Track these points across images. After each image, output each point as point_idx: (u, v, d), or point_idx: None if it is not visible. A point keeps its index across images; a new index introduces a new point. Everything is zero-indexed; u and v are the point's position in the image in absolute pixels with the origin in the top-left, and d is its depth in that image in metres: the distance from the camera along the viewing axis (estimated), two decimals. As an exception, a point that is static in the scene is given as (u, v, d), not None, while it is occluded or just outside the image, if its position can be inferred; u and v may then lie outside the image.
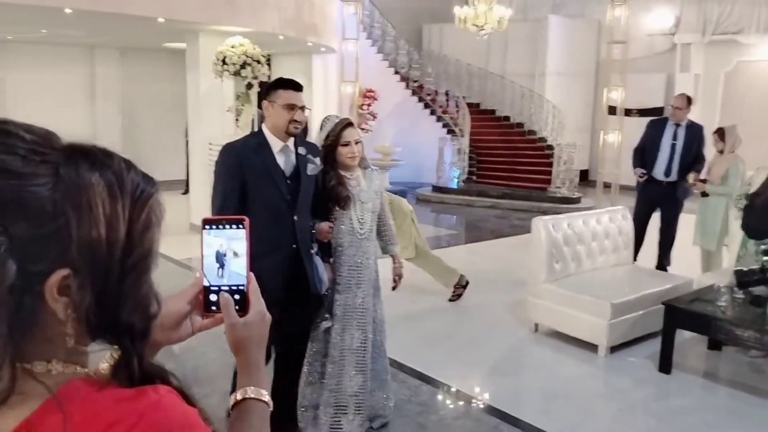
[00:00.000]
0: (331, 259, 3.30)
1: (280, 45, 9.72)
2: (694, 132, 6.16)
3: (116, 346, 0.75)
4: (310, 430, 3.35)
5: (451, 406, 3.80)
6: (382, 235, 3.54)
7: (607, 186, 11.41)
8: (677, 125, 6.13)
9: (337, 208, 3.27)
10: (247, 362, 0.93)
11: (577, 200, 11.49)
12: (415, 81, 13.99)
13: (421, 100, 14.03)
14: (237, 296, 0.91)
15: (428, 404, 3.82)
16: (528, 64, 14.53)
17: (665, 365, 4.31)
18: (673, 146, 6.03)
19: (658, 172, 6.08)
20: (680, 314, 4.23)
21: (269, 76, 8.03)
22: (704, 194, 5.78)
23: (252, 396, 0.92)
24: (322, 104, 11.55)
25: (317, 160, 3.12)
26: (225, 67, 7.43)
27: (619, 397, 4.11)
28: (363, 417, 3.38)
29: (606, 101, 10.78)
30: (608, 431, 3.71)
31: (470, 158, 13.19)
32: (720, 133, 5.83)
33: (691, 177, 5.84)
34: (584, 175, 13.70)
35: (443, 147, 12.86)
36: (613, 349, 4.62)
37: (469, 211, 11.41)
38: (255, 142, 3.01)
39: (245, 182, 2.92)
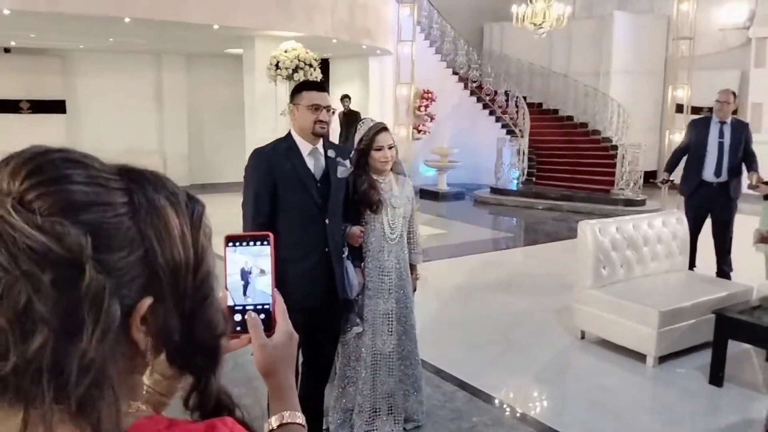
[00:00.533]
0: (362, 264, 3.30)
1: (335, 48, 9.83)
2: (741, 128, 5.84)
3: (186, 373, 0.73)
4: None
5: (486, 413, 3.72)
6: (408, 242, 3.50)
7: (673, 188, 10.94)
8: (722, 123, 5.81)
9: (369, 212, 3.28)
10: (279, 385, 0.91)
11: (641, 203, 11.09)
12: (474, 81, 13.85)
13: (479, 100, 13.88)
14: (263, 315, 0.89)
15: (462, 410, 3.76)
16: (592, 62, 14.15)
17: (716, 378, 4.09)
18: (721, 145, 5.72)
19: (708, 173, 5.77)
20: (732, 323, 4.01)
21: (321, 80, 8.13)
22: (767, 197, 5.47)
23: (288, 421, 0.90)
24: (378, 106, 11.61)
25: (347, 163, 3.11)
26: (278, 71, 7.58)
27: (665, 411, 3.93)
28: (397, 419, 3.38)
29: (671, 99, 10.33)
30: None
31: (530, 159, 12.96)
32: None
33: (754, 178, 5.51)
34: (653, 177, 13.24)
35: (502, 148, 12.68)
36: (662, 359, 4.43)
37: (527, 213, 11.20)
38: (284, 147, 3.01)
39: (276, 186, 2.91)
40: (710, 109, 13.03)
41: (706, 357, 4.28)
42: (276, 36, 8.01)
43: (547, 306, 5.67)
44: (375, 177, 3.28)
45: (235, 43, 9.00)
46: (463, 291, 6.38)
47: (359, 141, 3.31)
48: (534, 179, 12.95)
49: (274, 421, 0.90)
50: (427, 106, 12.95)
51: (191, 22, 6.79)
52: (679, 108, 11.06)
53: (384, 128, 3.32)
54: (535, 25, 10.03)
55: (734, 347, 4.35)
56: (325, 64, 12.77)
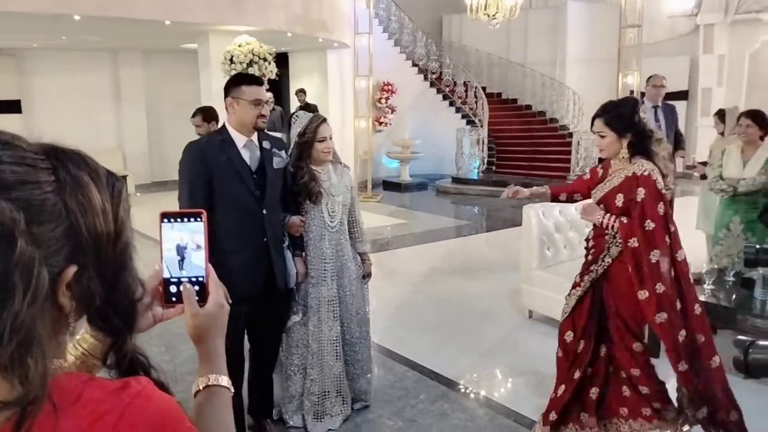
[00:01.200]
0: (303, 253, 3.36)
1: (291, 42, 9.87)
2: (672, 111, 6.06)
3: (100, 333, 0.80)
4: (295, 419, 3.45)
5: (433, 391, 3.87)
6: (351, 232, 3.56)
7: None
8: (656, 107, 6.02)
9: (308, 203, 3.35)
10: (207, 350, 0.96)
11: (597, 188, 11.36)
12: (434, 73, 14.00)
13: (439, 91, 14.03)
14: (197, 287, 0.94)
15: (409, 389, 3.90)
16: (549, 51, 14.42)
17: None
18: (658, 128, 5.93)
19: None
20: (665, 298, 4.20)
21: (278, 74, 8.18)
22: (703, 177, 5.70)
23: (213, 383, 0.95)
24: (338, 99, 11.68)
25: (282, 153, 3.15)
26: (233, 65, 7.60)
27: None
28: (345, 400, 3.50)
29: (622, 86, 10.61)
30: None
31: (490, 148, 13.17)
32: (720, 114, 5.74)
33: (680, 162, 5.74)
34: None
35: (462, 138, 12.86)
36: (604, 334, 4.62)
37: (488, 201, 11.39)
38: (219, 139, 2.99)
39: (211, 179, 2.91)
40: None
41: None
42: (230, 30, 8.03)
43: (499, 289, 5.85)
44: (315, 168, 3.36)
45: (190, 38, 8.99)
46: (420, 277, 6.53)
47: (301, 134, 3.37)
48: (494, 168, 13.17)
49: (200, 383, 0.95)
50: (387, 98, 13.06)
51: (142, 18, 6.78)
52: (631, 94, 11.36)
53: (324, 120, 3.38)
54: (488, 16, 10.18)
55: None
56: (284, 58, 12.78)
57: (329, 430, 3.41)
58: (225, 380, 0.96)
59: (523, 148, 13.37)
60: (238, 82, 3.04)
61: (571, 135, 12.51)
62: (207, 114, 5.25)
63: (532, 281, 4.96)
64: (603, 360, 3.16)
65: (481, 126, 12.99)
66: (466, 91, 13.66)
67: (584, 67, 14.08)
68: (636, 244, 2.84)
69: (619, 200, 2.90)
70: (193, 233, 0.94)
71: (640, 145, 2.91)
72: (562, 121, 13.43)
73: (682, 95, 13.66)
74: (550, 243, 5.00)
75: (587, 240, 3.21)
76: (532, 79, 14.27)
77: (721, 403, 2.94)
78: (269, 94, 3.13)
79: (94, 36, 9.18)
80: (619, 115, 2.89)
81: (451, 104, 14.00)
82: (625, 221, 2.89)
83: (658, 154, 3.07)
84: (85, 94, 12.03)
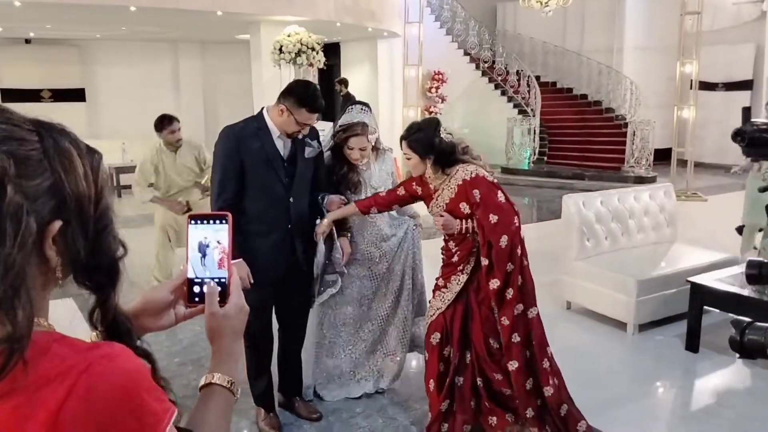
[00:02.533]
0: (349, 235, 3.42)
1: (341, 32, 9.96)
2: None
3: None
4: (326, 394, 3.58)
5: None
6: (401, 213, 3.63)
7: (684, 164, 10.91)
8: None
9: (349, 192, 3.41)
10: (220, 350, 0.98)
11: (652, 179, 11.05)
12: (486, 62, 13.85)
13: (491, 80, 13.89)
14: (218, 288, 0.96)
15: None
16: (606, 39, 14.07)
17: (692, 344, 4.21)
18: None
19: None
20: (705, 291, 4.11)
21: (326, 63, 8.29)
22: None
23: (217, 382, 0.96)
24: (387, 89, 11.72)
25: (315, 143, 3.18)
26: (281, 55, 7.76)
27: (641, 376, 4.06)
28: (375, 376, 3.61)
29: (679, 75, 10.26)
30: (622, 408, 3.68)
31: (542, 138, 12.97)
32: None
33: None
34: (668, 154, 13.15)
35: (512, 127, 12.71)
36: (643, 327, 4.55)
37: (537, 192, 11.26)
38: (255, 126, 3.05)
39: (243, 164, 2.98)
40: (725, 85, 12.78)
41: (685, 326, 4.38)
42: (281, 21, 8.18)
43: (539, 279, 5.70)
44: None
45: (243, 29, 9.19)
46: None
47: (335, 133, 3.41)
48: (545, 158, 12.97)
49: (203, 380, 0.97)
50: (437, 88, 13.01)
51: (195, 9, 6.98)
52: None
53: (358, 133, 3.31)
54: (541, 3, 10.01)
55: (717, 316, 4.46)
56: (336, 48, 12.91)
57: (358, 405, 3.51)
58: (230, 382, 0.97)
59: (576, 138, 13.11)
60: (301, 101, 2.94)
61: (626, 125, 12.20)
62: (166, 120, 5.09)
63: (571, 272, 4.91)
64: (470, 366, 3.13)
65: (533, 115, 12.80)
66: (518, 80, 13.47)
67: (642, 56, 13.68)
68: (505, 243, 2.91)
69: (464, 208, 2.96)
70: (219, 235, 0.95)
71: (446, 161, 2.99)
72: (618, 110, 13.10)
73: (746, 85, 13.12)
74: (590, 234, 4.93)
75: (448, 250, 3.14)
76: (588, 68, 13.95)
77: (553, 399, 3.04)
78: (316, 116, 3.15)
79: (152, 27, 9.49)
80: (419, 139, 2.99)
81: (503, 93, 13.83)
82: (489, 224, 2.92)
83: (473, 156, 3.07)
84: (145, 83, 12.45)
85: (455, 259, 3.08)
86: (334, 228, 3.29)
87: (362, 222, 3.48)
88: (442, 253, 3.18)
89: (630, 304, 4.46)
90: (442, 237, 3.16)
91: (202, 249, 0.95)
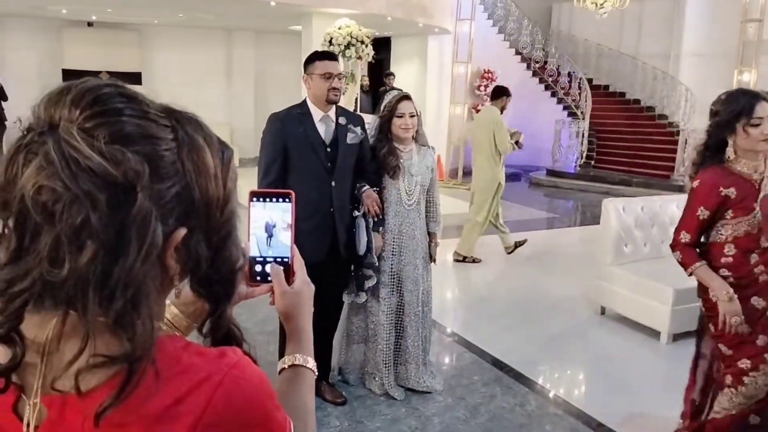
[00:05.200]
0: (381, 228, 3.47)
1: (392, 27, 10.00)
2: None
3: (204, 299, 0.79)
4: (354, 388, 3.63)
5: (487, 374, 3.90)
6: (427, 211, 3.65)
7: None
8: None
9: (387, 177, 3.46)
10: (296, 329, 0.96)
11: (702, 189, 10.78)
12: (537, 62, 13.70)
13: (541, 81, 13.73)
14: (282, 267, 0.94)
15: (464, 369, 3.96)
16: (663, 44, 13.75)
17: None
18: None
19: None
20: (742, 304, 4.01)
21: (375, 57, 8.35)
22: None
23: (300, 363, 0.94)
24: (435, 85, 11.72)
25: (358, 130, 3.30)
26: (331, 47, 7.83)
27: (672, 386, 3.98)
28: (400, 370, 3.63)
29: (737, 84, 9.97)
30: (650, 417, 3.65)
31: (590, 142, 12.78)
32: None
33: None
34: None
35: (560, 130, 12.55)
36: (677, 337, 4.47)
37: (582, 196, 11.12)
38: (298, 112, 3.22)
39: (287, 148, 3.14)
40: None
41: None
42: (332, 13, 8.28)
43: (576, 283, 5.74)
44: (396, 145, 3.47)
45: (296, 20, 9.33)
46: (497, 265, 6.53)
47: (382, 109, 3.51)
48: (593, 162, 12.77)
49: (287, 361, 0.95)
50: (486, 86, 12.92)
51: (248, -2, 7.14)
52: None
53: (406, 96, 3.46)
54: (596, 5, 9.86)
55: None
56: (386, 43, 12.97)
57: (384, 394, 3.56)
58: (311, 362, 0.96)
59: (626, 143, 12.86)
60: (311, 58, 3.25)
61: (678, 133, 11.91)
62: None
63: (607, 277, 4.86)
64: None
65: (583, 118, 12.61)
66: (570, 82, 13.29)
67: (699, 62, 13.31)
68: None
69: None
70: (282, 213, 0.93)
71: None
72: (672, 117, 12.79)
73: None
74: (629, 239, 4.87)
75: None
76: (643, 73, 13.66)
77: None
78: (342, 69, 3.27)
79: (208, 15, 9.71)
80: None
81: (553, 95, 13.66)
82: None
83: None
84: (199, 69, 12.75)
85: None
86: (369, 220, 3.36)
87: (397, 216, 3.51)
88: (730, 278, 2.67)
89: (665, 313, 4.39)
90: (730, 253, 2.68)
91: (269, 229, 0.93)
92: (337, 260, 3.28)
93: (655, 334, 4.52)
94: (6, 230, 0.67)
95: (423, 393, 3.60)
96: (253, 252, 0.93)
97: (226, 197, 0.75)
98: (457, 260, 6.37)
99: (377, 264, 3.45)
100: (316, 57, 3.25)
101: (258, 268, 0.93)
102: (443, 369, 3.95)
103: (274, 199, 0.93)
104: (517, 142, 6.23)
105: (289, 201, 0.93)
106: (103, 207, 0.63)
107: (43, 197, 0.63)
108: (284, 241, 0.93)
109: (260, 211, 0.93)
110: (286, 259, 0.94)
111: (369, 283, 3.47)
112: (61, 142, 0.63)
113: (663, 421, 3.53)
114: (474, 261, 6.37)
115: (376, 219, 3.41)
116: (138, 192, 0.64)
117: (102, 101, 0.67)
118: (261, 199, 0.93)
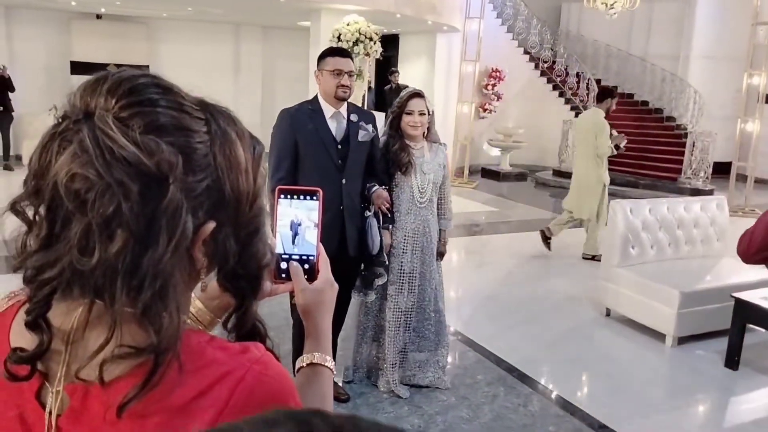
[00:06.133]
0: (391, 226, 3.46)
1: (401, 24, 9.98)
2: None
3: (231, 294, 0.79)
4: (358, 385, 3.63)
5: (490, 373, 3.89)
6: (438, 208, 3.65)
7: (743, 179, 10.55)
8: None
9: (399, 174, 3.45)
10: (315, 327, 0.95)
11: (709, 192, 10.72)
12: (545, 62, 13.65)
13: (549, 81, 13.68)
14: (306, 266, 0.93)
15: (468, 368, 3.96)
16: (672, 46, 13.69)
17: (731, 361, 4.11)
18: None
19: None
20: (749, 308, 4.00)
21: (382, 54, 8.34)
22: None
23: (318, 362, 0.94)
24: (443, 83, 11.70)
25: (369, 127, 3.28)
26: (339, 44, 7.82)
27: (676, 389, 4.00)
28: (408, 368, 3.63)
29: (746, 87, 9.90)
30: (653, 419, 3.63)
31: (597, 143, 12.70)
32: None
33: None
34: (727, 168, 12.73)
35: (568, 130, 12.49)
36: (682, 340, 4.46)
37: (588, 197, 11.06)
38: (309, 108, 3.20)
39: (297, 144, 3.12)
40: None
41: (726, 342, 4.27)
42: (341, 9, 8.26)
43: (582, 284, 5.73)
44: (408, 142, 3.46)
45: (305, 16, 9.32)
46: (502, 264, 6.52)
47: (393, 106, 3.51)
48: (600, 164, 12.70)
49: (306, 359, 0.94)
50: (494, 85, 12.90)
51: (257, -7, 7.12)
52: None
53: (418, 94, 3.44)
54: (606, 5, 9.81)
55: (761, 336, 4.34)
56: (395, 40, 12.95)
57: (388, 392, 3.55)
58: (329, 361, 0.95)
59: (633, 145, 12.72)
60: (324, 54, 3.25)
61: (686, 135, 11.85)
62: None
63: (613, 278, 4.84)
64: None
65: (590, 119, 12.54)
66: (578, 82, 13.23)
67: (709, 65, 13.25)
68: None
69: None
70: (309, 211, 0.93)
71: None
72: (680, 120, 12.73)
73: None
74: (636, 241, 4.85)
75: None
76: (652, 74, 13.60)
77: None
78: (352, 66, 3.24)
79: (216, 9, 9.71)
80: None
81: (561, 95, 13.61)
82: None
83: None
84: (207, 64, 12.74)
85: None
86: (378, 218, 3.35)
87: (409, 214, 3.50)
88: None
89: (671, 316, 4.38)
90: None
91: (294, 228, 0.93)
92: (345, 258, 3.26)
93: (660, 336, 4.51)
94: (37, 217, 0.67)
95: (427, 392, 3.60)
96: (279, 249, 0.92)
97: (256, 192, 0.75)
98: (585, 258, 6.61)
99: (387, 262, 3.44)
100: (328, 53, 3.25)
101: (283, 265, 0.93)
102: (446, 367, 3.94)
103: (301, 197, 0.93)
104: (617, 146, 6.31)
105: (317, 199, 0.93)
106: (135, 197, 0.62)
107: (75, 185, 0.62)
108: (310, 240, 0.93)
109: (287, 209, 0.93)
110: (312, 257, 0.94)
111: (379, 282, 3.46)
112: (96, 131, 0.63)
113: (666, 424, 3.52)
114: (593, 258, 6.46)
115: (388, 215, 3.40)
116: (170, 183, 0.64)
117: (138, 91, 0.66)
118: (288, 196, 0.93)
